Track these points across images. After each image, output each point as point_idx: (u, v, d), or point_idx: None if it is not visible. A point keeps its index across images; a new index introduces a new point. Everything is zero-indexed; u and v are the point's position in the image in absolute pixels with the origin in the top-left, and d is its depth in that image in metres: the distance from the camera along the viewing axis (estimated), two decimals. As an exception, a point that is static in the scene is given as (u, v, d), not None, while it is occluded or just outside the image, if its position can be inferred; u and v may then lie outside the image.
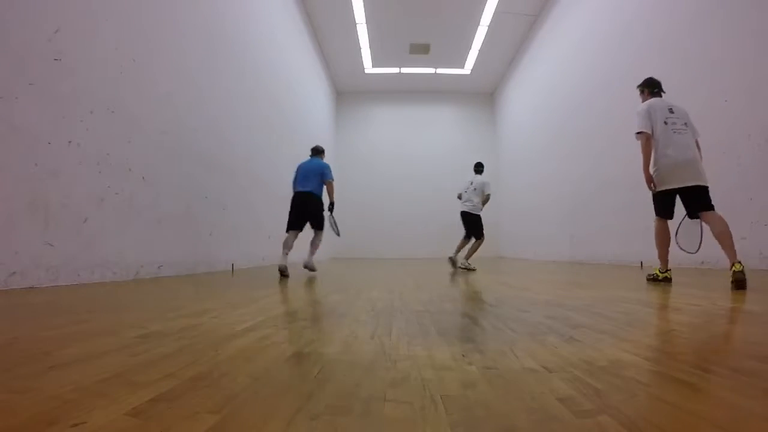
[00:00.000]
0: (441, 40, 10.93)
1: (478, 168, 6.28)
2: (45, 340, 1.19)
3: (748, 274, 3.80)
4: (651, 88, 3.45)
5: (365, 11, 9.63)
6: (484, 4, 9.39)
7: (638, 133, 3.16)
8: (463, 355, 1.02)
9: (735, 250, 2.68)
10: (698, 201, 2.93)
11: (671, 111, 3.13)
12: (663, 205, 3.09)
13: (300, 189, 4.60)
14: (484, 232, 5.93)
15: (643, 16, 6.04)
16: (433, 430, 0.60)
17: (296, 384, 0.81)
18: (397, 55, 11.79)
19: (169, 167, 4.20)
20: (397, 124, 14.28)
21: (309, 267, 4.69)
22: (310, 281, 3.66)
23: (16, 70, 2.60)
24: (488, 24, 10.14)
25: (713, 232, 2.84)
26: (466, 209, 6.04)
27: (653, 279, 3.19)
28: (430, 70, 12.69)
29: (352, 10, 9.59)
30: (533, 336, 1.25)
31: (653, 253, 5.88)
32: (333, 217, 4.97)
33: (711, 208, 2.90)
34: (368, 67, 12.48)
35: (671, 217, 3.12)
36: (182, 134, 4.44)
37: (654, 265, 5.45)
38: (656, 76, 5.94)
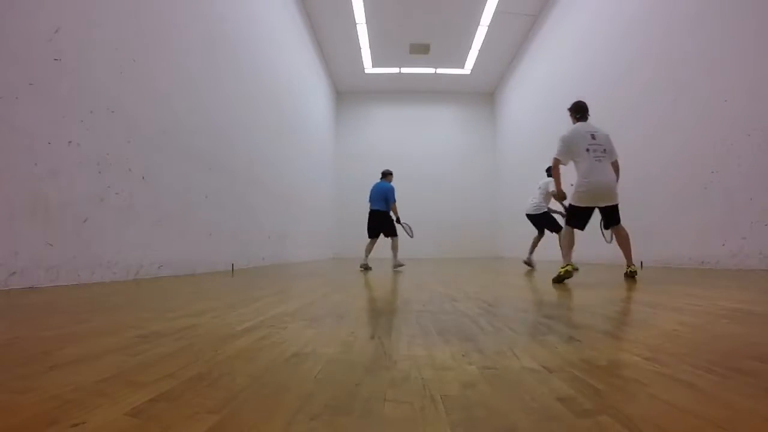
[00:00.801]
0: (441, 40, 10.92)
1: (550, 172, 6.24)
2: (45, 340, 1.19)
3: (748, 273, 3.80)
4: (576, 113, 3.81)
5: (365, 11, 9.63)
6: (484, 4, 9.39)
7: (555, 157, 3.70)
8: (463, 355, 1.02)
9: (632, 256, 3.54)
10: (612, 217, 3.58)
11: (593, 137, 3.49)
12: (578, 218, 3.55)
13: (372, 208, 6.15)
14: (559, 222, 5.91)
15: (643, 16, 6.04)
16: (433, 430, 0.60)
17: (296, 384, 0.81)
18: (397, 55, 11.78)
19: (169, 167, 4.20)
20: (397, 124, 14.27)
21: (396, 265, 5.89)
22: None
23: (16, 70, 2.60)
24: (488, 24, 10.13)
25: (617, 240, 3.63)
26: (528, 212, 6.16)
27: (559, 279, 3.24)
28: (430, 70, 12.69)
29: (352, 10, 9.59)
30: (533, 336, 1.25)
31: (653, 253, 5.89)
32: (405, 224, 6.40)
33: (618, 222, 3.58)
34: (368, 67, 12.47)
35: (582, 229, 3.60)
36: (182, 134, 4.44)
37: (647, 263, 5.46)
38: (656, 76, 5.96)
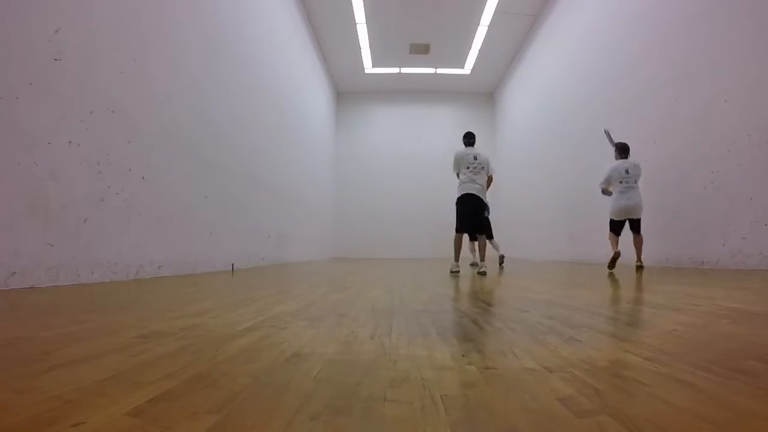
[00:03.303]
0: (441, 40, 10.92)
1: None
2: (45, 340, 1.19)
3: (748, 273, 3.80)
4: (620, 153, 5.11)
5: (365, 11, 9.63)
6: (484, 4, 9.39)
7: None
8: (463, 355, 1.02)
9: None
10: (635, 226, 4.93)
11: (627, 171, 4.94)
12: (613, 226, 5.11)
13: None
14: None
15: (643, 16, 6.04)
16: (433, 430, 0.60)
17: (296, 384, 0.81)
18: (397, 55, 11.78)
19: (169, 167, 4.20)
20: (397, 124, 14.27)
21: (501, 258, 6.97)
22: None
23: (16, 70, 2.59)
24: (488, 24, 10.13)
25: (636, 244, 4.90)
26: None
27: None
28: (430, 70, 12.69)
29: (352, 10, 9.59)
30: (533, 336, 1.25)
31: (653, 253, 5.88)
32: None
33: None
34: (368, 67, 12.47)
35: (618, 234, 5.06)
36: (182, 134, 4.44)
37: (647, 263, 5.46)
38: (656, 76, 5.95)
